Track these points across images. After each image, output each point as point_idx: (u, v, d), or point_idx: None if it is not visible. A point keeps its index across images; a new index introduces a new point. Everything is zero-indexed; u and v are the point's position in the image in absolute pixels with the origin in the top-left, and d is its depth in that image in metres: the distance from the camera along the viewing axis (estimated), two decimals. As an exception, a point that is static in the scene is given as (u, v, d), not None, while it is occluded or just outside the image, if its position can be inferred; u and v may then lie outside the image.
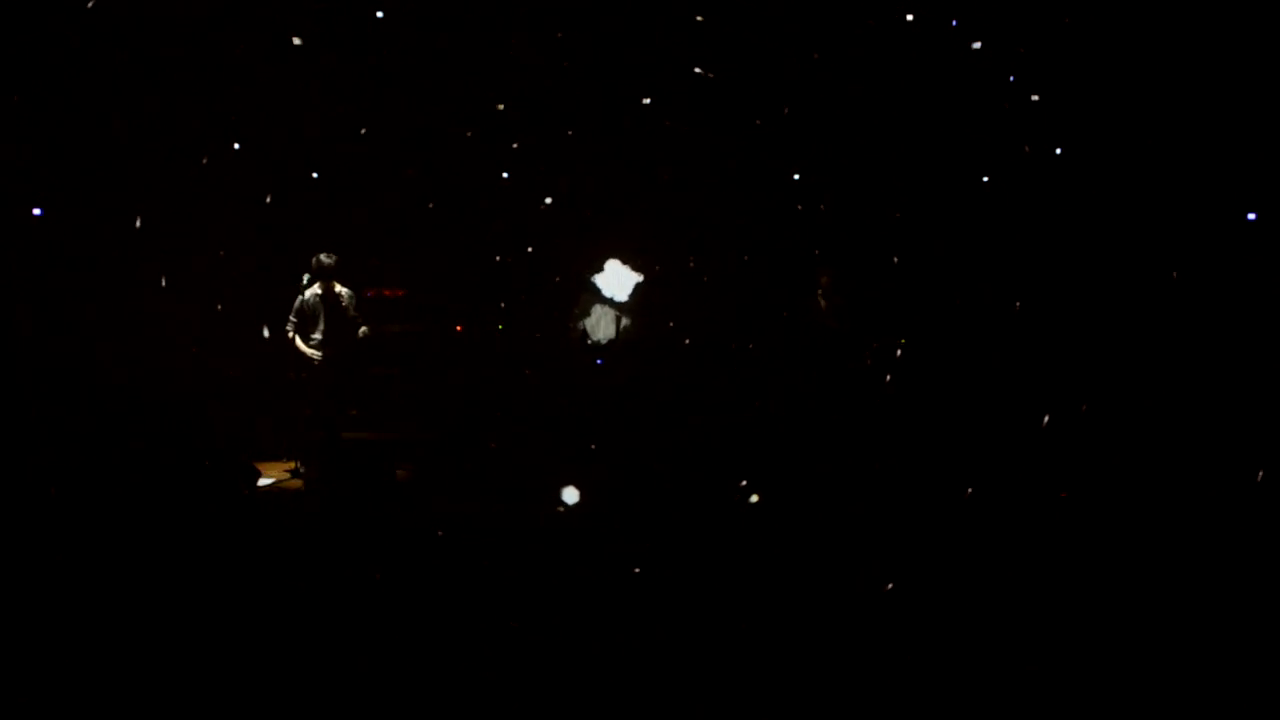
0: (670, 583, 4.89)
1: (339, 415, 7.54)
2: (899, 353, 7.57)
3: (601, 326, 8.73)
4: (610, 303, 8.70)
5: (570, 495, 6.53)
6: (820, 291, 8.21)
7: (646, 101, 7.78)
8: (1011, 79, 6.75)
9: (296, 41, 6.75)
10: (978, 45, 6.66)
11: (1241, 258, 6.07)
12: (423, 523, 6.10)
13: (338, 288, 7.28)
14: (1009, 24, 6.65)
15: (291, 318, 7.27)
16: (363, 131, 7.71)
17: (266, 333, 7.19)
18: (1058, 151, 6.67)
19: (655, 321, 8.80)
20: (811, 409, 7.53)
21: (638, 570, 5.07)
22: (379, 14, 6.89)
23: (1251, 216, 6.06)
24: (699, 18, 6.92)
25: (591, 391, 8.42)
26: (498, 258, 8.82)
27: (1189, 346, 6.15)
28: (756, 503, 6.20)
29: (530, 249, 8.82)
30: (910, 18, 6.73)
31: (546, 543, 5.68)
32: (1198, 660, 3.92)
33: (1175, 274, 6.18)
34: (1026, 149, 6.52)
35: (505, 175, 8.44)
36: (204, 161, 7.07)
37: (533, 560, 5.26)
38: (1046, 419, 6.21)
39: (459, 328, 9.29)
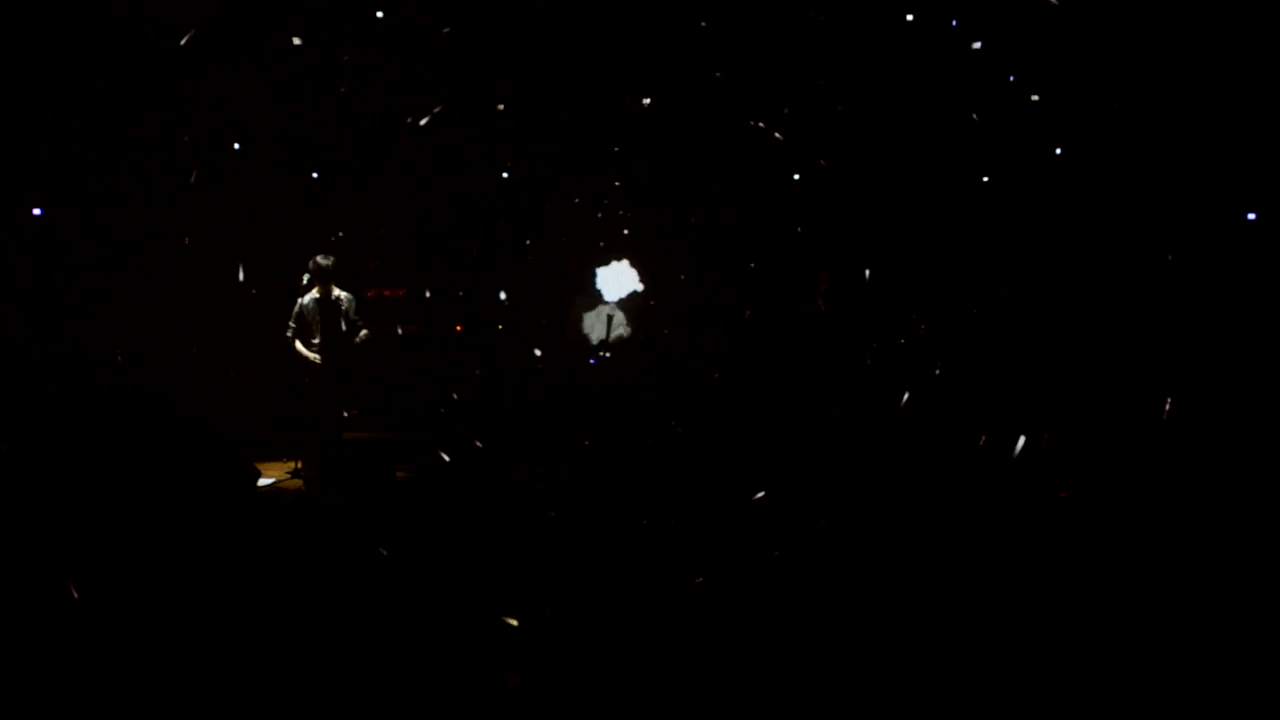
0: (669, 582, 4.89)
1: (339, 415, 7.54)
2: (899, 352, 7.57)
3: (595, 327, 8.72)
4: (605, 303, 8.70)
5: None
6: (820, 292, 8.20)
7: (646, 102, 7.78)
8: (1012, 79, 6.75)
9: (296, 42, 6.75)
10: (978, 45, 6.66)
11: (1242, 258, 6.07)
12: (423, 523, 6.10)
13: (336, 291, 7.28)
14: (1009, 24, 6.64)
15: (291, 322, 7.27)
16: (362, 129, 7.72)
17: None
18: (1058, 151, 6.67)
19: (650, 323, 8.80)
20: (812, 409, 7.53)
21: (638, 570, 5.08)
22: (379, 14, 6.89)
23: (1252, 216, 6.05)
24: (702, 23, 6.91)
25: (588, 392, 8.43)
26: (499, 257, 8.83)
27: (1189, 346, 6.14)
28: (758, 501, 6.20)
29: (530, 248, 8.83)
30: (910, 18, 6.73)
31: (546, 542, 5.68)
32: (1198, 660, 3.92)
33: (1172, 272, 6.19)
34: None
35: (505, 175, 8.44)
36: (204, 162, 7.07)
37: (532, 560, 5.26)
38: (1046, 421, 6.21)
39: (459, 328, 9.29)
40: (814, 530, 5.65)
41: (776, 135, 7.30)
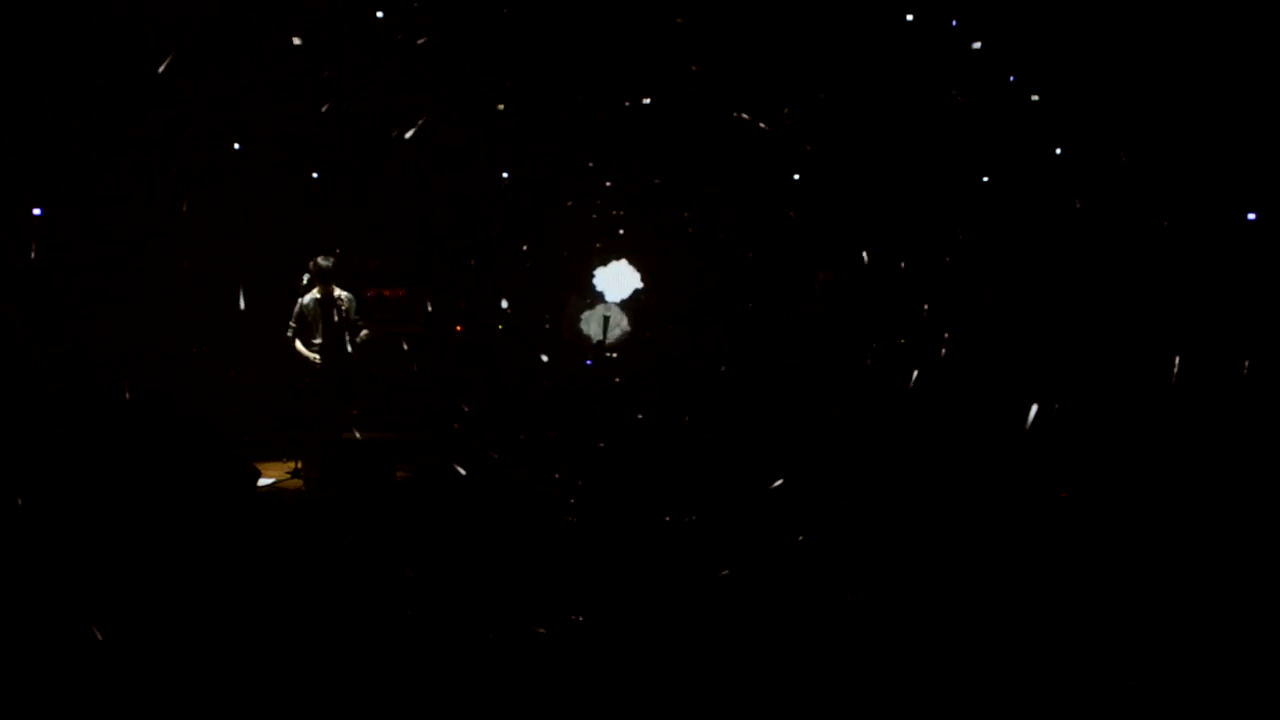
0: (670, 584, 4.89)
1: (339, 415, 7.55)
2: (898, 352, 7.57)
3: (592, 327, 8.72)
4: (602, 302, 8.69)
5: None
6: (818, 291, 8.20)
7: (647, 101, 7.77)
8: (1012, 79, 6.75)
9: (296, 42, 6.75)
10: (978, 45, 6.66)
11: (1242, 258, 6.07)
12: (423, 523, 6.11)
13: (337, 291, 7.29)
14: (1009, 24, 6.64)
15: (291, 322, 7.28)
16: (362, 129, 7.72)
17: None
18: (1058, 151, 6.67)
19: (653, 321, 8.80)
20: (813, 410, 7.53)
21: (637, 572, 5.08)
22: (379, 14, 6.89)
23: (1252, 216, 6.05)
24: (678, 20, 6.91)
25: (593, 393, 8.43)
26: (498, 257, 8.83)
27: (1189, 347, 6.14)
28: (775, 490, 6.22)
29: (528, 250, 8.83)
30: (910, 18, 6.73)
31: (546, 543, 5.68)
32: (1198, 660, 3.92)
33: (1172, 273, 6.18)
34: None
35: (505, 175, 8.44)
36: (204, 163, 7.07)
37: (532, 561, 5.26)
38: (1042, 416, 6.21)
39: (459, 328, 9.29)
40: (832, 517, 5.66)
41: (761, 125, 7.29)
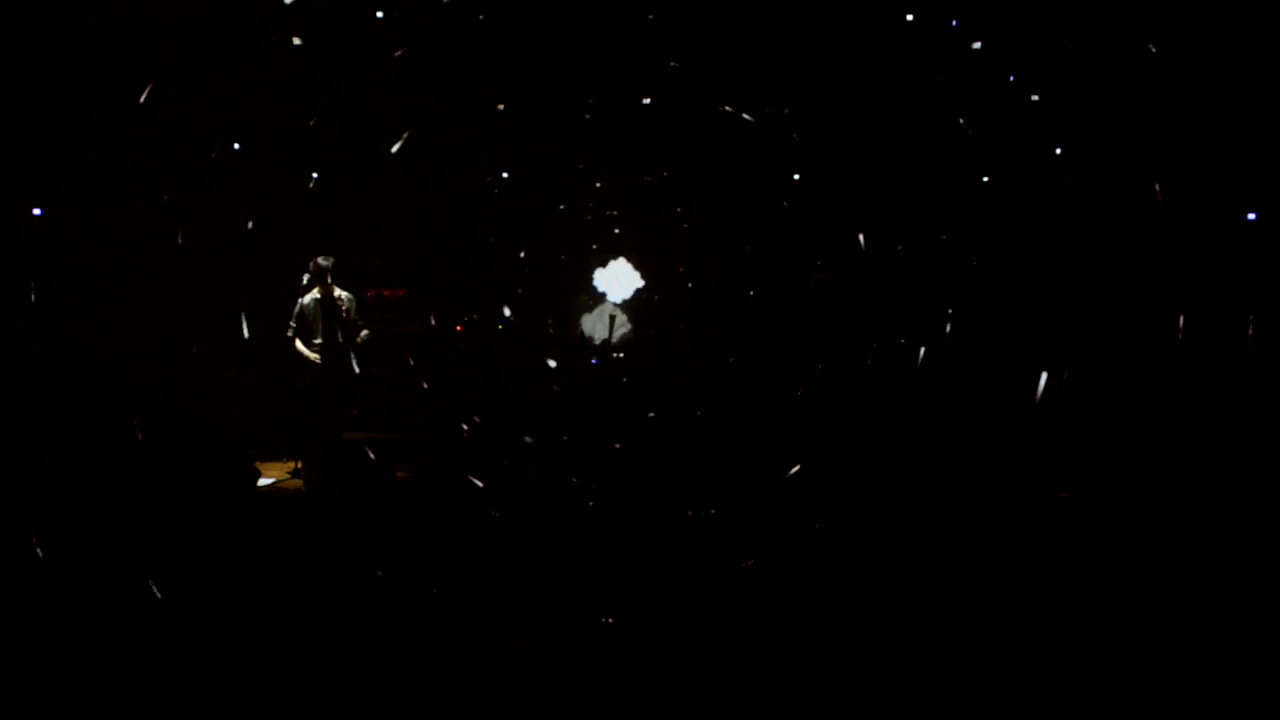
0: (670, 586, 4.89)
1: (339, 415, 7.55)
2: (897, 353, 7.57)
3: (596, 326, 8.73)
4: (606, 302, 8.70)
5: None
6: (813, 292, 8.20)
7: (646, 101, 7.77)
8: (1012, 79, 6.75)
9: (296, 42, 6.75)
10: (978, 45, 6.66)
11: (1242, 258, 6.07)
12: (423, 523, 6.11)
13: (337, 290, 7.30)
14: (1009, 24, 6.64)
15: (291, 322, 7.29)
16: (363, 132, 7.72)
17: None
18: (1058, 151, 6.67)
19: (651, 322, 8.81)
20: (813, 410, 7.53)
21: (636, 573, 5.08)
22: (379, 14, 6.89)
23: (1252, 216, 6.05)
24: (650, 16, 6.91)
25: (600, 393, 8.44)
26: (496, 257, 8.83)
27: (1189, 347, 6.14)
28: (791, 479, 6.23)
29: (526, 250, 8.83)
30: (910, 18, 6.73)
31: (546, 544, 5.68)
32: (1197, 660, 3.92)
33: (1172, 274, 6.18)
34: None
35: (505, 175, 8.44)
36: (206, 160, 7.06)
37: (533, 562, 5.26)
38: (1044, 414, 6.21)
39: (459, 328, 9.29)
40: (835, 514, 5.67)
41: (745, 116, 7.30)
